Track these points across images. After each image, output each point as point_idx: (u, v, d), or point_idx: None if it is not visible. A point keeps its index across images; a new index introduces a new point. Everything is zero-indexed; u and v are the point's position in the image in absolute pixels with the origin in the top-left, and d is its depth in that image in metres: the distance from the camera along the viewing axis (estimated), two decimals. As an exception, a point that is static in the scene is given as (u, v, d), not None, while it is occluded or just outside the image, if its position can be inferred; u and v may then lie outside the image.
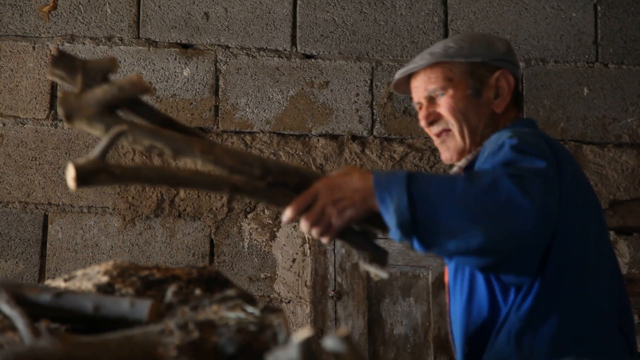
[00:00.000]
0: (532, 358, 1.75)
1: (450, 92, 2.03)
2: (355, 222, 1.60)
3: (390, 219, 1.58)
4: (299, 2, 3.59)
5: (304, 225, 1.60)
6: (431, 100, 2.03)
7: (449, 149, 2.01)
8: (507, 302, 1.80)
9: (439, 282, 3.44)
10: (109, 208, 3.42)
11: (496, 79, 2.03)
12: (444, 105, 2.01)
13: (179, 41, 3.54)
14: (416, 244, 1.61)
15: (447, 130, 2.01)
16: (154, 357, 0.90)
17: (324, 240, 1.60)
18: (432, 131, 2.02)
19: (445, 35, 3.60)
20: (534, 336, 1.77)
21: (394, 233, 1.59)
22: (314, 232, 1.60)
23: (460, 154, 2.00)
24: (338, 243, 3.43)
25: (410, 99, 2.11)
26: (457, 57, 2.04)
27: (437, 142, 2.03)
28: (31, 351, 0.87)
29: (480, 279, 1.85)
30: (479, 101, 2.03)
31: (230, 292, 1.15)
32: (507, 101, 2.03)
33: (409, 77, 2.08)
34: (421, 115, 2.02)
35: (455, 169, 2.01)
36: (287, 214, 1.59)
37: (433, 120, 2.01)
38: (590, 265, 1.83)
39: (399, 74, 2.07)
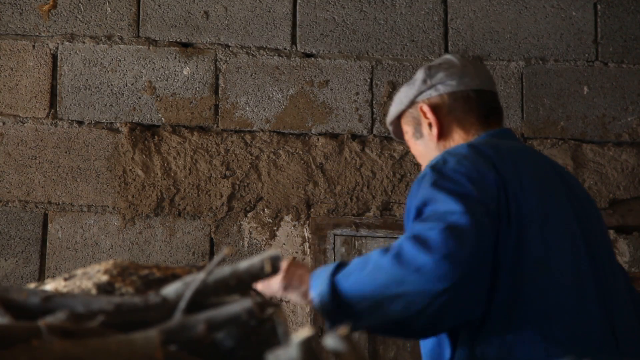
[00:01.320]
0: None
1: (408, 142, 2.26)
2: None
3: (316, 301, 1.82)
4: (298, 1, 3.58)
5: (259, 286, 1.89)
6: None
7: None
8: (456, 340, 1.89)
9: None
10: (108, 207, 3.42)
11: (422, 113, 2.19)
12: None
13: (178, 40, 3.54)
14: (344, 324, 1.74)
15: None
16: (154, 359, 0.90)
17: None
18: None
19: (445, 35, 3.60)
20: (489, 337, 1.83)
21: (325, 318, 1.85)
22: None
23: None
24: (338, 243, 3.44)
25: None
26: (394, 115, 2.27)
27: None
28: (31, 351, 0.87)
29: None
30: (424, 140, 2.20)
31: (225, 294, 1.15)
32: (438, 126, 2.16)
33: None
34: None
35: None
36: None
37: None
38: (542, 262, 1.85)
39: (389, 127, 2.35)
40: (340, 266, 1.84)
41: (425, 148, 2.20)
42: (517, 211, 1.85)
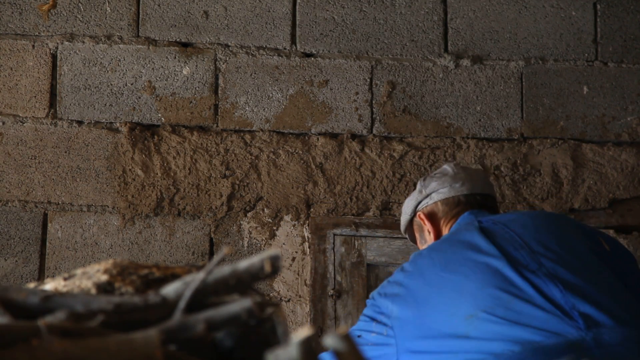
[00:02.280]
0: None
1: (419, 248, 2.54)
2: None
3: None
4: (298, 1, 3.58)
5: None
6: None
7: None
8: None
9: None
10: (108, 207, 3.42)
11: (421, 221, 2.49)
12: None
13: (178, 40, 3.54)
14: None
15: None
16: None
17: None
18: None
19: (445, 34, 3.61)
20: None
21: None
22: None
23: None
24: (337, 242, 3.44)
25: None
26: (404, 225, 2.59)
27: None
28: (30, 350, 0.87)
29: None
30: (427, 245, 2.46)
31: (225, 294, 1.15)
32: (435, 232, 2.44)
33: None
34: None
35: None
36: None
37: None
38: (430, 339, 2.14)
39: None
40: None
41: None
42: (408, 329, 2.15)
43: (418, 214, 2.49)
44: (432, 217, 2.46)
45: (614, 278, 2.11)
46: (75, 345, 0.88)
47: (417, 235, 2.55)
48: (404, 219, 2.59)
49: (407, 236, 2.64)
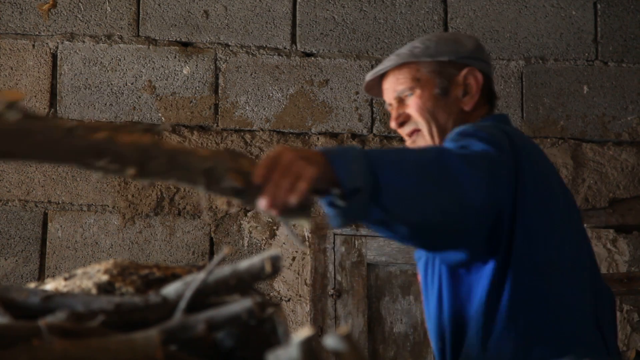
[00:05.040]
0: (499, 358, 1.76)
1: (418, 92, 2.01)
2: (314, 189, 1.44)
3: (350, 183, 1.45)
4: (298, 1, 3.58)
5: (266, 193, 1.39)
6: (401, 101, 2.03)
7: None
8: (471, 299, 1.80)
9: (438, 281, 3.44)
10: (108, 206, 3.42)
11: (464, 76, 2.01)
12: (412, 106, 2.01)
13: (178, 39, 3.54)
14: (376, 213, 1.52)
15: (418, 130, 2.01)
16: None
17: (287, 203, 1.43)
18: (403, 132, 2.04)
19: (445, 34, 3.61)
20: (500, 335, 1.78)
21: (349, 205, 1.47)
22: (277, 200, 1.40)
23: None
24: (338, 242, 3.43)
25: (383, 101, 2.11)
26: (423, 57, 2.03)
27: (408, 142, 2.04)
28: (31, 350, 0.87)
29: (447, 275, 1.84)
30: (447, 100, 2.01)
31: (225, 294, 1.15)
32: (476, 99, 2.01)
33: (380, 79, 2.08)
34: (392, 116, 2.03)
35: None
36: (262, 202, 1.41)
37: (403, 121, 2.02)
38: (555, 260, 1.82)
39: (369, 76, 2.09)
40: (363, 149, 1.65)
41: (443, 108, 2.02)
42: (524, 208, 1.81)
43: (469, 69, 2.01)
44: (482, 84, 2.01)
45: None
46: (75, 345, 0.88)
47: (431, 79, 2.03)
48: (425, 52, 2.03)
49: (380, 67, 2.07)
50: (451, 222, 1.65)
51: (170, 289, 1.07)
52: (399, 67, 2.05)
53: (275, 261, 1.05)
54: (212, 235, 3.43)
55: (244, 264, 1.07)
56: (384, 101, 2.13)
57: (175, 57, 3.52)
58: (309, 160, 1.42)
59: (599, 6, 3.65)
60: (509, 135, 1.82)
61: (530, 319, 1.78)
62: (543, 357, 1.76)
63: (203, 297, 1.06)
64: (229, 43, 3.54)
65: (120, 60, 3.50)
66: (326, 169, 1.42)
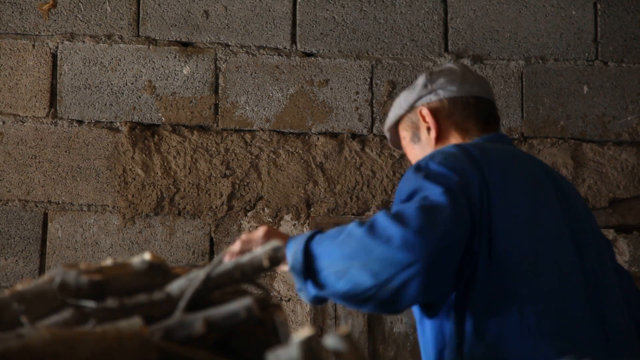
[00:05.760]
0: None
1: (405, 148, 2.30)
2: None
3: (289, 262, 1.84)
4: (298, 0, 3.59)
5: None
6: None
7: None
8: (437, 329, 1.92)
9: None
10: (108, 206, 3.42)
11: (421, 117, 2.22)
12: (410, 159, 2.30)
13: (178, 39, 3.54)
14: (311, 288, 1.82)
15: None
16: (140, 349, 0.91)
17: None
18: None
19: (445, 34, 3.61)
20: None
21: (295, 280, 1.85)
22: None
23: None
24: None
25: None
26: (393, 120, 2.30)
27: None
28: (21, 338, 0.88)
29: (417, 311, 1.99)
30: (422, 144, 2.23)
31: (230, 287, 1.16)
32: (437, 130, 2.19)
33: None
34: None
35: None
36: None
37: None
38: (531, 268, 1.86)
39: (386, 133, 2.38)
40: (317, 233, 1.88)
41: (422, 152, 2.22)
42: (500, 212, 1.86)
43: (419, 109, 2.21)
44: (435, 113, 2.19)
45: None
46: (64, 331, 0.90)
47: (405, 134, 2.27)
48: (394, 114, 2.28)
49: (387, 135, 2.36)
50: (387, 281, 1.77)
51: (174, 286, 1.07)
52: (390, 129, 2.34)
53: (276, 251, 1.06)
54: (212, 235, 3.43)
55: (246, 257, 1.08)
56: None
57: (175, 57, 3.52)
58: (275, 235, 1.95)
59: (599, 6, 3.65)
60: (472, 158, 1.92)
61: (506, 317, 1.83)
62: (523, 355, 1.79)
63: (207, 292, 1.07)
64: (229, 43, 3.54)
65: (120, 60, 3.50)
66: (283, 250, 1.77)
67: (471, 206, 1.82)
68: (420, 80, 2.25)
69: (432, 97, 2.21)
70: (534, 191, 1.96)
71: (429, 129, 2.20)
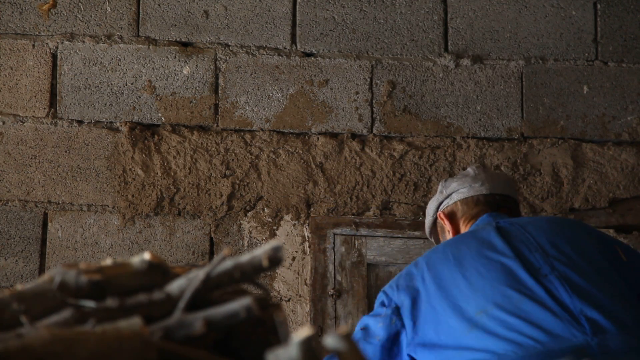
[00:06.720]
0: None
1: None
2: None
3: None
4: (298, 1, 3.59)
5: None
6: None
7: None
8: None
9: (438, 281, 3.45)
10: (108, 206, 3.42)
11: (442, 221, 2.57)
12: None
13: (178, 39, 3.54)
14: None
15: None
16: (139, 348, 0.91)
17: None
18: None
19: (445, 34, 3.61)
20: None
21: None
22: None
23: None
24: (338, 242, 3.44)
25: None
26: (429, 228, 2.69)
27: None
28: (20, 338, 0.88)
29: None
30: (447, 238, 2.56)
31: (229, 287, 1.16)
32: (454, 230, 2.52)
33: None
34: None
35: None
36: None
37: None
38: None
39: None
40: None
41: None
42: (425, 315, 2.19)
43: (439, 214, 2.57)
44: (451, 217, 2.53)
45: (627, 288, 2.11)
46: (63, 331, 0.90)
47: (440, 237, 2.62)
48: (427, 221, 2.67)
49: (432, 239, 2.71)
50: None
51: (174, 286, 1.07)
52: (430, 234, 2.73)
53: (276, 252, 1.06)
54: (212, 235, 3.43)
55: (246, 256, 1.08)
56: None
57: (175, 57, 3.52)
58: None
59: (599, 6, 3.65)
60: (409, 275, 2.28)
61: None
62: None
63: (206, 292, 1.07)
64: (229, 43, 3.54)
65: (120, 60, 3.50)
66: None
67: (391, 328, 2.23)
68: (439, 187, 2.61)
69: (448, 202, 2.53)
70: (461, 265, 2.22)
71: (449, 231, 2.53)
